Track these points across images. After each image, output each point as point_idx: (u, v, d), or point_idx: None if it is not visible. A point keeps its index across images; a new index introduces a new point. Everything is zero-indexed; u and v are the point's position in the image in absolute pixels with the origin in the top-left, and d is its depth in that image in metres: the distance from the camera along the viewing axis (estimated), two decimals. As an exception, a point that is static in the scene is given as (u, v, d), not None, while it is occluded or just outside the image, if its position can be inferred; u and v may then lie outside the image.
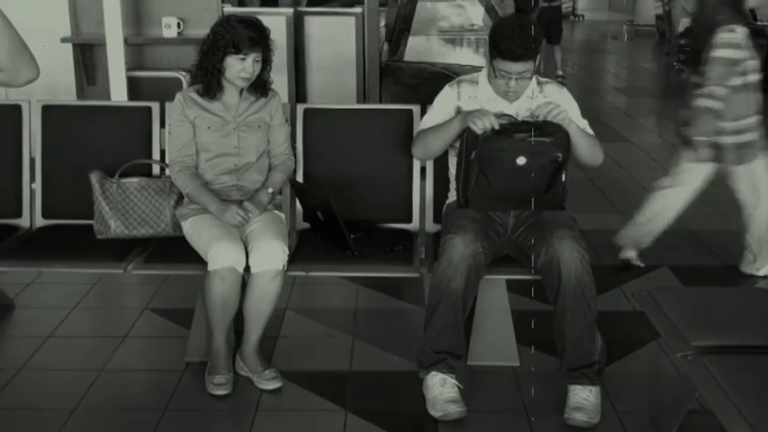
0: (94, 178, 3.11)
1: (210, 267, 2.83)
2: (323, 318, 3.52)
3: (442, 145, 3.02)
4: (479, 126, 2.80)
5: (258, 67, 3.00)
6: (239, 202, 3.03)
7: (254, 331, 2.97)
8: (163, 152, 3.34)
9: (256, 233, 2.93)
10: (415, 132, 3.19)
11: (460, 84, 3.07)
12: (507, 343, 3.19)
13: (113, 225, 3.07)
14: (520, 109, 2.97)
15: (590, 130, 3.04)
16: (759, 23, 10.70)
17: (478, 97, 3.00)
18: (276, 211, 3.13)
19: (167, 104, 3.26)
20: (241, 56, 2.95)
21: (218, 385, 2.91)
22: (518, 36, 2.82)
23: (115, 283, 3.94)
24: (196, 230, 2.98)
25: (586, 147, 2.96)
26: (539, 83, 3.02)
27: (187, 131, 3.06)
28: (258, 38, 2.96)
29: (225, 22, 2.99)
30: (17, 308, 3.68)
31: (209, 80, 3.01)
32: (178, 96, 3.08)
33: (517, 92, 2.93)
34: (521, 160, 2.79)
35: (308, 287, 3.26)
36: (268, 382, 2.96)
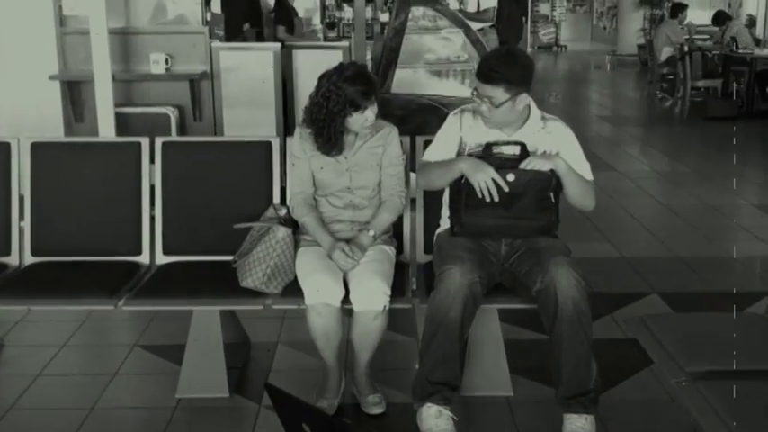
0: (285, 232, 2.99)
1: (306, 302, 2.85)
2: (315, 350, 3.50)
3: (444, 183, 3.02)
4: (479, 180, 2.82)
5: (375, 109, 3.02)
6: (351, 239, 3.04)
7: (361, 357, 3.02)
8: (152, 187, 3.35)
9: (358, 271, 2.92)
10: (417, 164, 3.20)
11: (463, 113, 3.05)
12: (500, 373, 3.18)
13: (276, 283, 2.97)
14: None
15: (589, 175, 2.99)
16: (741, 51, 10.84)
17: (478, 128, 2.99)
18: (384, 246, 3.10)
19: (288, 139, 3.25)
20: (360, 111, 2.97)
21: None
22: (494, 59, 2.87)
23: (104, 320, 3.91)
24: (301, 261, 2.99)
25: (576, 190, 2.93)
26: (543, 118, 3.00)
27: (306, 166, 3.10)
28: (370, 87, 2.97)
29: (332, 86, 2.95)
30: (6, 346, 3.64)
31: (333, 144, 3.02)
32: (297, 131, 3.13)
33: (489, 118, 2.91)
34: (510, 177, 2.82)
35: (300, 320, 3.22)
36: (372, 406, 3.03)
